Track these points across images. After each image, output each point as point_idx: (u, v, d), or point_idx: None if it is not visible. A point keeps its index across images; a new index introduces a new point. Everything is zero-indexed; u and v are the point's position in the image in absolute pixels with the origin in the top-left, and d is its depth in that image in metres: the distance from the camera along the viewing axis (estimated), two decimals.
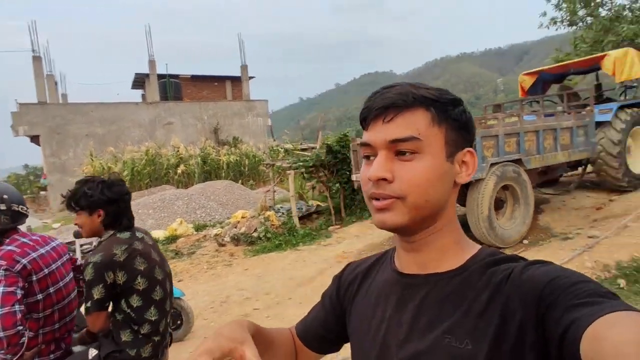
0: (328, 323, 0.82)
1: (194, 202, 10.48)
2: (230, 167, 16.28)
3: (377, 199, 0.61)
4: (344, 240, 6.70)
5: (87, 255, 1.78)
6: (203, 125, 19.59)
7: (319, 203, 8.79)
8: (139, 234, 1.92)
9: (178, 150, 16.23)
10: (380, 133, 0.61)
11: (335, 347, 0.85)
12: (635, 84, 7.21)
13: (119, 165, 15.09)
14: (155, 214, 9.73)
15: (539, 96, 7.66)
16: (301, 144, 18.46)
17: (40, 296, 1.74)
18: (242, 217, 8.38)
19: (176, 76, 20.79)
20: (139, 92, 25.40)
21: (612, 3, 8.84)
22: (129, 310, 1.77)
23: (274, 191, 9.62)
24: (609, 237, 4.67)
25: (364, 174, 0.64)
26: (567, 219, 5.88)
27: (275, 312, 4.31)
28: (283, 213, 8.18)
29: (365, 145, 0.64)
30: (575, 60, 7.99)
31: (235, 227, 8.09)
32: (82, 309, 1.93)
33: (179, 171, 15.36)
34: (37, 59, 16.92)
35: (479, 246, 0.66)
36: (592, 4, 8.98)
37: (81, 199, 1.77)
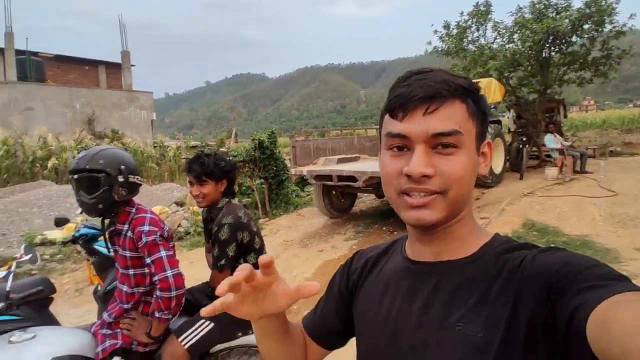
0: (337, 315, 0.80)
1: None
2: None
3: (411, 195, 0.59)
4: (278, 231, 7.09)
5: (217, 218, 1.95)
6: (74, 114, 17.12)
7: (238, 199, 8.93)
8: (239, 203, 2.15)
9: (45, 141, 13.96)
10: (420, 125, 0.58)
11: (344, 341, 0.83)
12: (494, 107, 9.45)
13: None
14: (42, 212, 8.39)
15: None
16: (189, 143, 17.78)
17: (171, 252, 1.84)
18: (161, 213, 7.99)
19: (36, 54, 17.68)
20: None
21: (477, 42, 11.46)
22: None
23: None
24: (495, 217, 6.22)
25: (394, 168, 0.60)
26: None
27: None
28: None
29: (398, 136, 0.59)
30: None
31: None
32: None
33: (49, 165, 13.25)
34: None
35: (492, 234, 0.66)
36: (465, 40, 11.45)
37: (215, 169, 1.94)
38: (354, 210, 7.95)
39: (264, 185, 8.26)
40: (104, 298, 2.71)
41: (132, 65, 20.26)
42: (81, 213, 2.49)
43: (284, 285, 0.61)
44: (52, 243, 6.49)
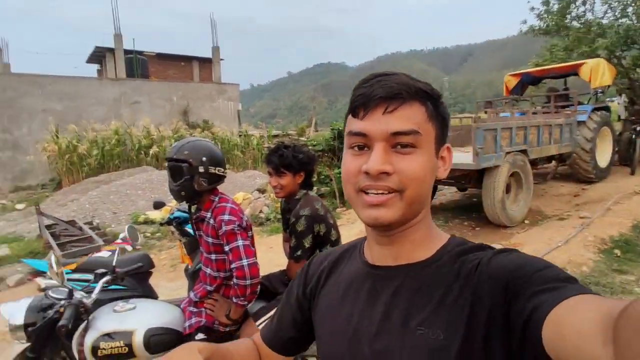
0: (297, 322, 0.80)
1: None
2: None
3: (369, 193, 0.60)
4: (355, 221, 7.09)
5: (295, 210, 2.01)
6: (172, 106, 18.88)
7: (317, 187, 9.11)
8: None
9: (149, 131, 15.60)
10: (380, 124, 0.59)
11: (304, 346, 0.84)
12: (601, 91, 8.32)
13: (85, 144, 14.22)
14: (145, 194, 9.46)
15: (528, 96, 8.55)
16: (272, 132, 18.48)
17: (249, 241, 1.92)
18: (244, 199, 8.49)
19: (141, 52, 19.77)
20: (95, 66, 23.76)
21: (583, 18, 10.13)
22: None
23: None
24: (599, 217, 5.53)
25: (354, 166, 0.61)
26: (553, 204, 6.75)
27: None
28: None
29: (358, 135, 0.61)
30: (556, 65, 8.98)
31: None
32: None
33: (152, 152, 14.81)
34: None
35: (448, 236, 0.67)
36: (568, 17, 10.19)
37: (293, 161, 1.98)
38: (433, 202, 7.65)
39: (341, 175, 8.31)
40: (192, 276, 2.97)
41: (221, 60, 21.65)
42: (159, 206, 2.72)
43: None
44: (152, 222, 7.28)
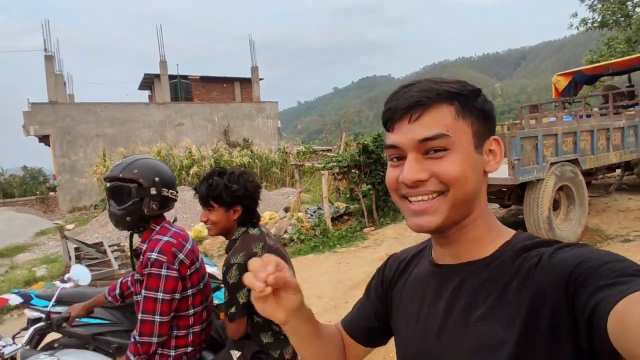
0: (375, 314, 0.83)
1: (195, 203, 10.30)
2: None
3: (412, 200, 0.62)
4: (382, 242, 6.54)
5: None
6: (213, 126, 19.42)
7: (347, 205, 8.63)
8: (264, 229, 1.78)
9: (190, 152, 16.06)
10: (407, 134, 0.61)
11: (383, 339, 0.85)
12: None
13: None
14: (178, 215, 9.55)
15: (581, 97, 7.56)
16: (311, 148, 18.34)
17: (190, 292, 1.59)
18: (270, 219, 8.22)
19: (185, 77, 20.63)
20: (147, 92, 25.22)
21: None
22: None
23: (300, 192, 9.45)
24: None
25: (392, 177, 0.64)
26: (617, 221, 5.75)
27: (335, 316, 4.15)
28: (311, 215, 8.02)
29: (392, 147, 0.63)
30: (616, 60, 7.91)
31: None
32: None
33: (192, 172, 15.18)
34: (48, 58, 16.72)
35: (514, 232, 0.66)
36: (630, 4, 8.93)
37: (222, 193, 1.59)
38: None
39: (371, 192, 7.80)
40: None
41: (261, 79, 22.05)
42: (174, 221, 2.44)
43: (294, 280, 0.66)
44: None
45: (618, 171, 7.05)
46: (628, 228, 5.38)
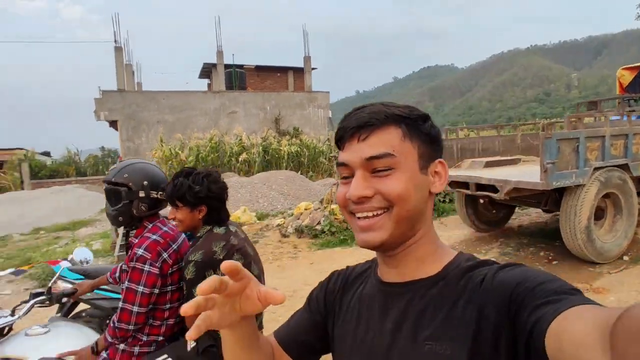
0: (313, 328, 0.81)
1: (256, 190, 10.68)
2: (290, 158, 16.42)
3: (359, 217, 0.64)
4: None
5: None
6: (265, 115, 19.94)
7: None
8: (232, 228, 1.84)
9: (241, 139, 16.66)
10: (355, 152, 0.63)
11: (316, 356, 0.83)
12: None
13: (185, 151, 15.80)
14: None
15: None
16: None
17: (170, 288, 1.72)
18: (305, 209, 8.36)
19: (241, 66, 21.31)
20: (206, 81, 26.43)
21: None
22: None
23: (335, 184, 9.48)
24: None
25: (341, 193, 0.66)
26: None
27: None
28: None
29: (342, 165, 0.66)
30: None
31: (299, 219, 8.10)
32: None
33: (241, 159, 15.78)
34: (118, 49, 18.10)
35: (455, 252, 0.68)
36: None
37: (186, 194, 1.68)
38: (511, 223, 6.50)
39: None
40: None
41: (314, 69, 22.17)
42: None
43: (257, 287, 0.59)
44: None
45: None
46: None
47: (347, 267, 0.84)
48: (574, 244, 4.33)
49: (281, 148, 16.66)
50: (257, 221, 8.96)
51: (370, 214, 0.63)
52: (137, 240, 1.73)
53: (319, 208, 8.13)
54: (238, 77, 20.03)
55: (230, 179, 11.60)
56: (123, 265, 1.79)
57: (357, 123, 0.64)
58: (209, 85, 25.39)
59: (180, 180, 1.70)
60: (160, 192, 1.77)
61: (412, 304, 0.64)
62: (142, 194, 1.72)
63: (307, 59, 21.34)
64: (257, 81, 22.78)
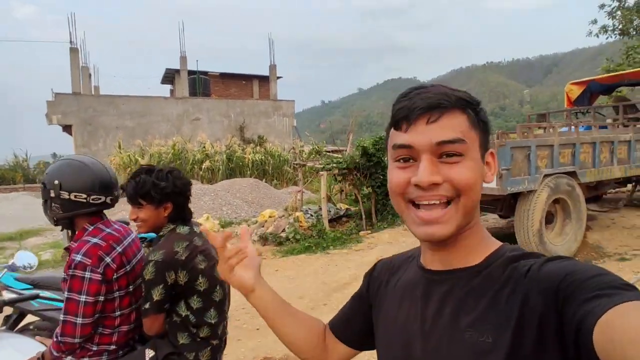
0: (360, 315, 0.83)
1: (220, 198, 10.45)
2: (255, 166, 16.24)
3: (420, 207, 0.61)
4: (375, 246, 6.48)
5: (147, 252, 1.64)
6: (229, 122, 19.68)
7: (348, 207, 8.59)
8: (196, 229, 1.77)
9: (204, 146, 16.31)
10: (424, 135, 0.59)
11: (367, 342, 0.84)
12: None
13: (145, 158, 15.24)
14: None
15: (590, 106, 7.28)
16: (325, 147, 18.32)
17: (117, 294, 1.59)
18: (270, 217, 8.26)
19: (205, 73, 20.97)
20: (168, 87, 25.78)
21: None
22: (187, 312, 1.62)
23: (302, 192, 9.46)
24: None
25: (401, 178, 0.62)
26: (619, 239, 5.51)
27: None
28: (311, 215, 8.02)
29: (403, 147, 0.61)
30: (632, 70, 7.57)
31: (263, 227, 7.98)
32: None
33: (204, 167, 15.43)
34: (74, 51, 17.31)
35: (501, 243, 0.67)
36: None
37: (150, 190, 1.59)
38: None
39: (371, 195, 7.74)
40: None
41: (279, 77, 22.18)
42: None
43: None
44: None
45: (629, 186, 6.76)
46: (627, 246, 5.15)
47: (393, 255, 0.83)
48: (528, 247, 4.53)
49: (245, 156, 16.46)
50: (221, 229, 8.74)
51: (436, 201, 0.60)
52: (75, 245, 1.58)
53: (283, 215, 8.06)
54: (202, 84, 19.68)
55: (193, 187, 11.24)
56: (63, 274, 1.65)
57: (426, 104, 0.59)
58: (172, 92, 24.78)
59: (142, 177, 1.61)
60: (75, 194, 1.56)
61: (454, 291, 0.63)
62: (52, 193, 1.57)
63: (272, 67, 21.34)
64: (221, 88, 22.48)
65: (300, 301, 4.64)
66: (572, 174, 4.82)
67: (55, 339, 1.53)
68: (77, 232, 1.64)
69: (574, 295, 0.49)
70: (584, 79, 7.66)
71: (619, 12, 8.89)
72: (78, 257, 1.49)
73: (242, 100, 20.53)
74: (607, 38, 9.33)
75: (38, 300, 2.07)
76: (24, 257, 2.14)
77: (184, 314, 1.61)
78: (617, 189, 7.15)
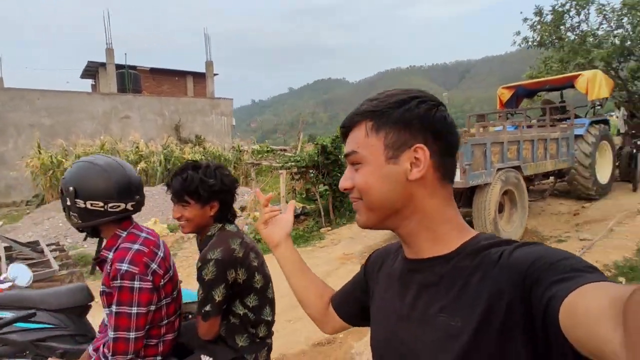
0: (355, 299, 0.92)
1: (166, 201, 9.87)
2: None
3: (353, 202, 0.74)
4: (339, 242, 6.63)
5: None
6: (164, 121, 18.61)
7: (303, 205, 8.65)
8: (238, 227, 1.74)
9: (137, 146, 15.26)
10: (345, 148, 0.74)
11: (358, 321, 0.94)
12: (599, 104, 7.94)
13: (70, 159, 13.84)
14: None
15: (523, 109, 8.15)
16: (267, 147, 18.17)
17: (164, 301, 1.49)
18: None
19: (134, 67, 19.58)
20: (89, 81, 23.61)
21: (579, 28, 9.84)
22: (245, 311, 1.57)
23: (257, 191, 9.31)
24: (600, 240, 5.06)
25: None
26: (551, 224, 6.29)
27: (294, 315, 4.15)
28: None
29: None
30: (552, 77, 8.63)
31: None
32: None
33: (139, 168, 14.43)
34: None
35: (476, 232, 0.69)
36: (562, 28, 9.91)
37: (198, 188, 1.52)
38: None
39: (328, 192, 7.88)
40: None
41: (215, 74, 21.46)
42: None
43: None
44: None
45: (551, 178, 7.71)
46: (560, 229, 5.91)
47: (386, 245, 0.90)
48: None
49: (184, 156, 15.70)
50: (170, 233, 8.31)
51: (355, 201, 0.73)
52: (112, 254, 1.45)
53: (240, 216, 7.89)
54: (132, 79, 18.34)
55: None
56: (101, 287, 1.48)
57: (344, 122, 0.74)
58: (94, 87, 22.72)
59: (190, 174, 1.53)
60: (91, 202, 1.43)
61: (428, 278, 0.68)
62: (69, 201, 1.44)
63: (209, 63, 20.61)
64: (152, 84, 21.15)
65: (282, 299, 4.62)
66: (517, 168, 5.40)
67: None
68: (107, 240, 1.50)
69: (540, 280, 0.51)
70: (513, 84, 8.58)
71: (538, 26, 10.17)
72: (124, 266, 1.38)
73: (176, 98, 19.51)
74: (528, 48, 10.60)
75: None
76: (18, 271, 1.90)
77: (242, 313, 1.56)
78: (542, 181, 8.13)
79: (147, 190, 11.03)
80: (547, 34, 9.95)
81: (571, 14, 9.80)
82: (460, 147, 4.53)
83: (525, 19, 10.34)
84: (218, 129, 20.22)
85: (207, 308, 1.47)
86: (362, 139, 0.69)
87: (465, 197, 5.38)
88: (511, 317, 0.54)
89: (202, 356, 1.55)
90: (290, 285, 1.01)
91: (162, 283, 1.49)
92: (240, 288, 1.56)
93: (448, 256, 0.66)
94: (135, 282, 1.37)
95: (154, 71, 21.18)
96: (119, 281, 1.37)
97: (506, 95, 8.36)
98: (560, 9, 9.83)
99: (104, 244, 1.54)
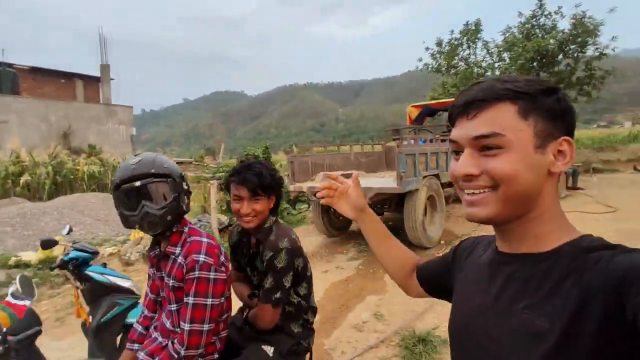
0: (440, 276, 0.94)
1: (66, 217, 8.72)
2: (92, 179, 14.00)
3: (465, 192, 0.66)
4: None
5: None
6: (50, 127, 16.38)
7: (228, 217, 8.49)
8: None
9: (19, 156, 13.19)
10: (464, 130, 0.64)
11: (440, 296, 0.96)
12: None
13: None
14: (16, 232, 7.72)
15: (430, 125, 9.28)
16: (173, 158, 17.21)
17: (223, 299, 1.52)
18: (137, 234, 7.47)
19: (11, 65, 16.92)
20: None
21: (468, 60, 11.69)
22: (299, 299, 1.67)
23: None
24: None
25: (451, 169, 0.69)
26: (459, 225, 7.27)
27: None
28: (199, 227, 7.65)
29: (452, 141, 0.68)
30: (449, 100, 10.04)
31: (139, 244, 7.17)
32: None
33: (22, 181, 12.46)
34: None
35: (581, 233, 0.66)
36: (457, 58, 11.67)
37: (272, 182, 1.60)
38: (352, 227, 7.68)
39: None
40: (96, 332, 2.34)
41: (112, 79, 19.68)
42: (69, 231, 2.12)
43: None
44: (27, 266, 5.91)
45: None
46: (467, 229, 6.90)
47: (478, 235, 0.90)
48: (415, 235, 5.61)
49: (78, 167, 14.00)
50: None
51: (476, 190, 0.64)
52: (179, 249, 1.46)
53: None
54: (10, 79, 15.82)
55: (24, 206, 9.08)
56: (170, 281, 1.45)
57: (465, 99, 0.64)
58: None
59: (259, 168, 1.59)
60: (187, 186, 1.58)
61: (519, 273, 0.65)
62: (185, 185, 1.52)
63: (105, 67, 18.85)
64: (32, 85, 18.46)
65: None
66: (437, 176, 6.19)
67: (175, 356, 1.39)
68: (172, 236, 1.50)
69: (631, 290, 0.50)
70: (420, 103, 9.76)
71: (438, 55, 11.83)
72: (202, 257, 1.41)
73: (66, 102, 17.36)
74: (427, 73, 12.22)
75: None
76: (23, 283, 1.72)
77: (296, 301, 1.66)
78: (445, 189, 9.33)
79: (48, 205, 9.59)
80: (444, 62, 11.65)
81: (463, 47, 11.71)
82: (396, 157, 5.08)
83: (427, 48, 12.03)
84: (116, 138, 18.50)
85: (278, 295, 1.54)
86: (509, 121, 0.61)
87: (395, 203, 5.96)
88: (606, 326, 0.53)
89: (263, 347, 1.59)
90: (375, 253, 1.07)
91: (225, 277, 1.52)
92: (299, 276, 1.65)
93: (544, 255, 0.64)
94: (212, 273, 1.40)
95: (35, 71, 18.56)
96: (197, 272, 1.38)
97: (414, 112, 9.46)
98: (454, 42, 11.67)
99: (164, 241, 1.52)
